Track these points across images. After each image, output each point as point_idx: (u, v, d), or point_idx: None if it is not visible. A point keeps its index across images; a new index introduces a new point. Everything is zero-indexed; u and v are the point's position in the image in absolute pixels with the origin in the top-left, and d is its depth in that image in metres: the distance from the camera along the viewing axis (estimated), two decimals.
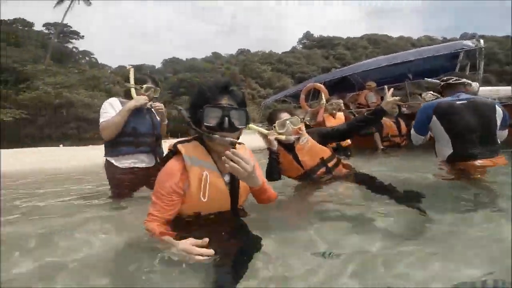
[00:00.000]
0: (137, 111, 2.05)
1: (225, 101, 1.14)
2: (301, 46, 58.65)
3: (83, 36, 41.64)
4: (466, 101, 1.94)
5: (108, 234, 1.45)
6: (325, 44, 54.58)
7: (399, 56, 5.96)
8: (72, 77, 24.64)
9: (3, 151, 13.32)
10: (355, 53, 49.08)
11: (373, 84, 6.23)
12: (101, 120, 2.00)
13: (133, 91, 2.11)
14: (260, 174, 1.32)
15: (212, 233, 1.06)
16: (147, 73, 2.51)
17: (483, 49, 4.70)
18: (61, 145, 17.43)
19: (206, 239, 0.94)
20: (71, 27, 39.94)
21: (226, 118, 1.10)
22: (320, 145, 1.93)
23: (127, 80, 2.17)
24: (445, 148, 1.95)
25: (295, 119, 1.89)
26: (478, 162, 1.80)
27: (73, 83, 23.38)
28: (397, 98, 1.90)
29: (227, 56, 51.59)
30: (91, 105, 22.84)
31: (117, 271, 1.08)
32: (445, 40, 51.39)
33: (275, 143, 1.87)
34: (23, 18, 37.39)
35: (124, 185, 2.06)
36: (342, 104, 4.73)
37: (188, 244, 0.94)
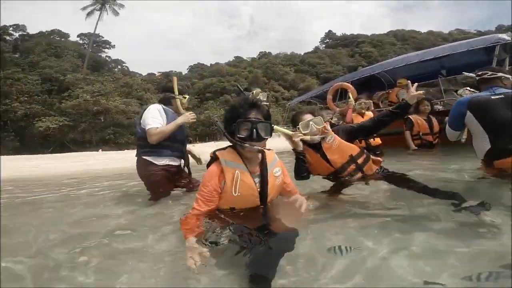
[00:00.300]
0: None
1: (253, 115, 1.39)
2: (324, 45, 57.49)
3: (114, 45, 44.60)
4: (503, 96, 1.92)
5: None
6: (349, 42, 52.99)
7: (430, 52, 5.78)
8: (108, 85, 26.35)
9: (53, 155, 14.71)
10: (382, 50, 47.15)
11: (405, 81, 6.07)
12: (150, 125, 2.27)
13: (179, 102, 2.54)
14: (291, 184, 1.64)
15: (244, 225, 1.26)
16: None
17: None
18: (100, 150, 18.72)
19: (207, 254, 1.10)
20: (103, 37, 42.96)
21: (254, 130, 1.34)
22: (348, 143, 1.93)
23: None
24: (483, 143, 1.93)
25: (318, 119, 1.91)
26: None
27: (109, 91, 25.01)
28: (422, 92, 1.90)
29: (249, 60, 51.90)
30: (125, 112, 24.34)
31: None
32: (479, 33, 47.31)
33: (300, 144, 1.88)
34: (59, 30, 40.59)
35: (159, 180, 2.36)
36: (372, 104, 4.69)
37: (194, 250, 1.13)
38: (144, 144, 2.34)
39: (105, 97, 23.59)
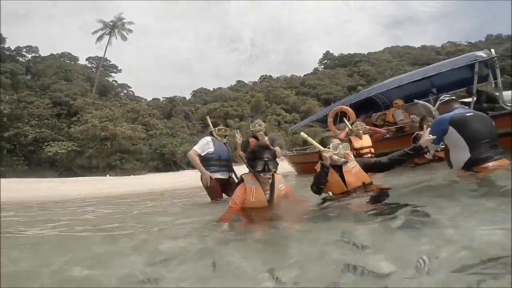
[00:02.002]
0: (221, 146, 3.47)
1: (265, 155, 2.17)
2: (322, 66, 58.59)
3: (120, 69, 45.36)
4: (472, 113, 2.36)
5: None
6: (347, 62, 53.94)
7: (419, 73, 6.23)
8: (116, 110, 26.98)
9: (63, 179, 15.04)
10: (379, 68, 48.19)
11: (401, 102, 6.46)
12: (194, 148, 3.37)
13: (214, 133, 3.55)
14: (289, 192, 2.35)
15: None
16: (216, 118, 3.71)
17: (495, 58, 4.94)
18: (108, 175, 19.01)
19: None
20: (110, 61, 43.91)
21: (266, 166, 2.14)
22: (364, 172, 2.28)
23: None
24: (462, 154, 2.28)
25: (345, 145, 2.28)
26: (491, 164, 2.17)
27: (116, 116, 25.56)
28: (434, 137, 2.26)
29: (251, 84, 52.55)
30: (132, 137, 24.78)
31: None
32: (470, 44, 48.49)
33: (329, 159, 2.20)
34: (69, 52, 41.31)
35: (215, 187, 3.35)
36: (365, 126, 4.95)
37: (222, 227, 2.00)
38: (203, 162, 3.33)
39: (113, 123, 24.13)
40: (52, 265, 1.38)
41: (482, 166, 2.19)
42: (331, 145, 2.26)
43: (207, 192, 3.42)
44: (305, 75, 53.20)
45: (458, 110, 2.43)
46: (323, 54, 61.20)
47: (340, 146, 2.26)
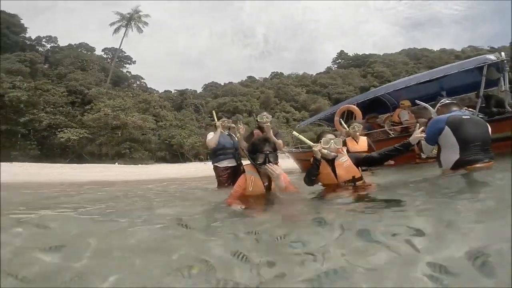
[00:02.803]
0: (223, 136, 3.69)
1: (266, 148, 2.25)
2: (336, 66, 57.83)
3: (135, 61, 46.40)
4: (468, 116, 2.42)
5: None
6: (361, 62, 52.69)
7: (427, 74, 6.15)
8: (128, 101, 27.54)
9: (73, 165, 15.51)
10: (394, 70, 46.98)
11: (407, 103, 6.36)
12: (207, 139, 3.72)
13: (218, 124, 3.73)
14: (287, 183, 2.31)
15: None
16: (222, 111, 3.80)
17: (505, 61, 4.83)
18: (117, 163, 19.48)
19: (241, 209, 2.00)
20: (125, 53, 44.98)
21: (266, 158, 2.22)
22: (354, 166, 2.38)
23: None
24: (453, 155, 2.34)
25: (338, 141, 2.40)
26: (478, 166, 2.23)
27: (128, 106, 26.11)
28: (423, 135, 2.31)
29: (262, 80, 52.11)
30: (142, 127, 25.31)
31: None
32: (492, 49, 46.38)
33: (319, 153, 2.36)
34: (86, 43, 42.75)
35: (224, 176, 3.63)
36: (361, 127, 4.85)
37: (237, 206, 2.05)
38: (211, 155, 3.77)
39: (125, 112, 24.64)
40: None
41: (470, 167, 2.24)
42: (322, 140, 2.40)
43: (218, 181, 3.69)
44: (317, 74, 52.64)
45: (455, 112, 2.50)
46: (337, 53, 60.36)
47: (332, 141, 2.37)
